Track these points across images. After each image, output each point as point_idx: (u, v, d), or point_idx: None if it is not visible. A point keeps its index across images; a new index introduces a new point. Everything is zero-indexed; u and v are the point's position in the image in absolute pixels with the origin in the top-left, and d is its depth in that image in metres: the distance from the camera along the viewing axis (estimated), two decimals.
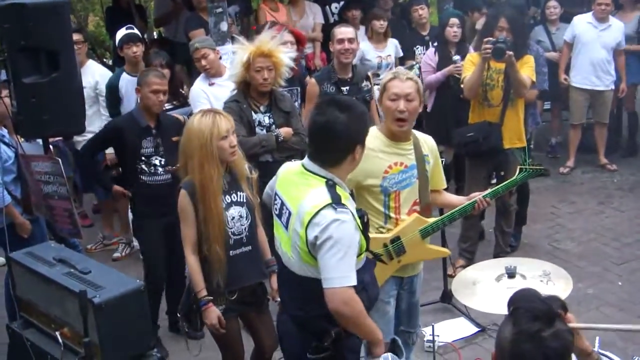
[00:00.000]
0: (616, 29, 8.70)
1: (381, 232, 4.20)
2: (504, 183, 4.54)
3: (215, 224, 4.17)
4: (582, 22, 8.77)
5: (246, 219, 4.33)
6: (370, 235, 3.85)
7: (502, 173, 6.41)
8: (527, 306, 2.40)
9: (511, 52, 5.96)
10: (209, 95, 6.29)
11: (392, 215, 4.21)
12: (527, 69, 6.24)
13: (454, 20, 7.49)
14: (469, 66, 6.35)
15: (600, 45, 8.64)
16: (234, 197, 4.31)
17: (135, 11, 9.44)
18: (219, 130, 4.16)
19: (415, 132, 4.33)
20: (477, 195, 4.37)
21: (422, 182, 4.27)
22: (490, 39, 6.06)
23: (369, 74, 6.40)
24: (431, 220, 4.29)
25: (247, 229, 4.34)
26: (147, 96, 5.43)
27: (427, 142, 4.37)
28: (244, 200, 4.33)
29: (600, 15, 8.62)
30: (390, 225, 4.22)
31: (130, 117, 5.60)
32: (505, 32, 6.19)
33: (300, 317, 3.47)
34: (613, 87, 8.83)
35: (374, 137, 4.08)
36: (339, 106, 3.35)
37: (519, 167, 4.57)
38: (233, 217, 4.28)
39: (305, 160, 3.44)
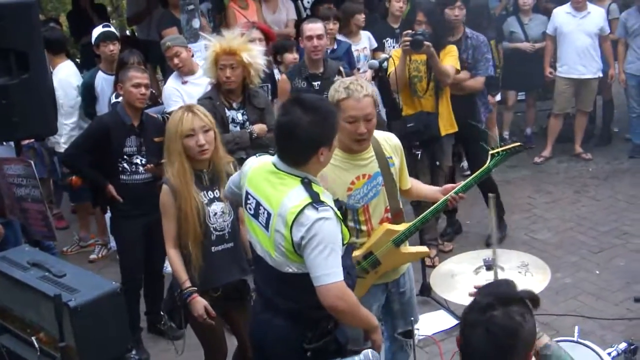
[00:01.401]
0: (596, 15, 8.77)
1: (353, 248, 3.91)
2: (476, 174, 4.30)
3: (189, 220, 4.17)
4: (562, 13, 8.83)
5: (229, 215, 4.32)
6: None
7: (438, 163, 6.61)
8: (489, 284, 2.48)
9: (429, 43, 6.06)
10: (182, 94, 6.26)
11: (364, 228, 4.04)
12: (450, 59, 6.40)
13: None
14: (394, 61, 6.43)
15: (583, 33, 8.70)
16: (216, 194, 4.30)
17: (92, 12, 9.38)
18: (182, 128, 4.19)
19: (374, 133, 4.04)
20: (450, 189, 4.17)
21: (390, 188, 4.06)
22: (409, 31, 6.20)
23: (341, 67, 6.37)
24: (402, 227, 4.09)
25: (229, 225, 4.32)
26: (129, 91, 5.40)
27: (389, 142, 4.13)
28: None
29: (576, 5, 8.67)
30: (362, 238, 4.06)
31: (116, 114, 5.56)
32: (424, 25, 6.38)
33: (293, 309, 3.43)
34: (600, 74, 8.89)
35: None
36: (304, 106, 3.29)
37: (489, 153, 4.26)
38: (215, 213, 4.27)
39: (276, 159, 3.41)
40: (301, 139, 3.26)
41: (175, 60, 6.32)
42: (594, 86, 8.98)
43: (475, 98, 6.95)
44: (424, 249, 4.57)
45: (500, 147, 4.27)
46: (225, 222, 4.30)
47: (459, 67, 6.52)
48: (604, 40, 8.85)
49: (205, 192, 4.27)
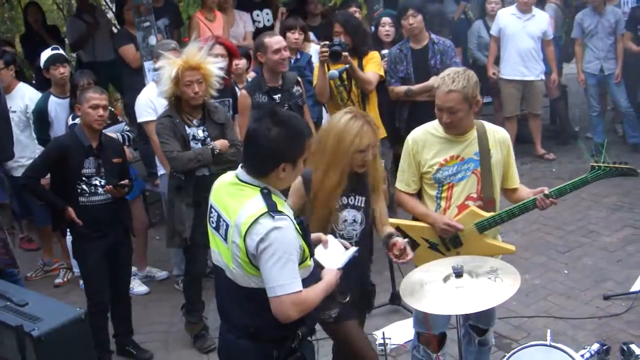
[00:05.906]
0: (540, 18, 8.86)
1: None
2: (572, 181, 4.31)
3: (318, 223, 3.94)
4: (506, 15, 8.91)
5: (360, 224, 4.13)
6: (426, 225, 4.27)
7: None
8: None
9: (346, 53, 6.14)
10: (157, 106, 6.09)
11: (442, 204, 4.28)
12: (372, 65, 6.52)
13: (385, 20, 7.45)
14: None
15: (527, 35, 8.78)
16: (351, 200, 4.10)
17: (47, 35, 9.33)
18: (362, 143, 3.92)
19: (485, 124, 4.30)
20: (541, 191, 4.23)
21: (485, 176, 4.23)
22: (327, 42, 6.27)
23: (298, 78, 6.33)
24: (488, 214, 4.22)
25: (358, 235, 4.13)
26: (86, 112, 5.29)
27: (496, 135, 4.29)
28: (362, 205, 4.12)
29: (522, 7, 8.75)
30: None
31: (74, 135, 5.44)
32: (342, 35, 6.44)
33: (255, 328, 3.34)
34: (543, 77, 8.95)
35: (434, 128, 4.26)
36: (274, 118, 3.28)
37: (591, 164, 4.30)
38: (345, 220, 4.09)
39: (239, 170, 3.38)
40: (264, 149, 3.25)
41: None
42: (539, 88, 9.07)
43: None
44: (512, 247, 4.46)
45: (606, 162, 4.24)
46: (354, 230, 4.11)
47: (382, 73, 6.61)
48: (547, 45, 8.92)
49: (342, 197, 4.06)
